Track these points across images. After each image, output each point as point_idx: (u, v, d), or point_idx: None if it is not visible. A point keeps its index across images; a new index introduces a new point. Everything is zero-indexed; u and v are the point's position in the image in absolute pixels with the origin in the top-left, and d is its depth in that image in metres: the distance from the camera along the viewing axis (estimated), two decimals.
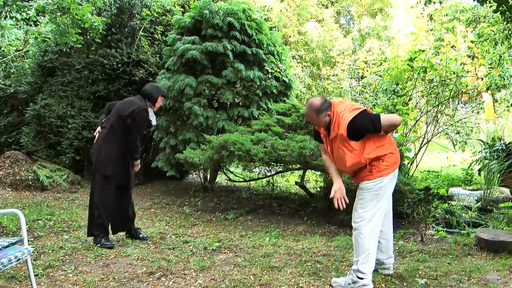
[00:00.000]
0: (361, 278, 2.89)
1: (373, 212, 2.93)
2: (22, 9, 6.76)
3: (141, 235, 4.32)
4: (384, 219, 3.13)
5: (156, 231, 4.69)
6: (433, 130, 6.17)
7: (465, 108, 8.07)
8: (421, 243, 4.16)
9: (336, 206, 3.00)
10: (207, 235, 4.63)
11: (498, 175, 5.72)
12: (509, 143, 6.59)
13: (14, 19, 7.35)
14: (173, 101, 6.92)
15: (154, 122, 4.29)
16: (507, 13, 4.90)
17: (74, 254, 3.72)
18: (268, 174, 6.86)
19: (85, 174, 8.36)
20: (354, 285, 2.90)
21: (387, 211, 3.15)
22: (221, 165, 6.67)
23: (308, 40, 17.83)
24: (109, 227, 4.14)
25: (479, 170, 6.65)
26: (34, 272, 2.94)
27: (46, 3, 7.02)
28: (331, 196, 3.02)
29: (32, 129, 8.41)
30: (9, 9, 6.63)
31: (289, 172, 6.63)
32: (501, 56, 7.53)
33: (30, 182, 7.06)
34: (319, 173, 6.02)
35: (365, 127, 2.89)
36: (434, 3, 15.37)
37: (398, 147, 5.16)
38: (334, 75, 8.56)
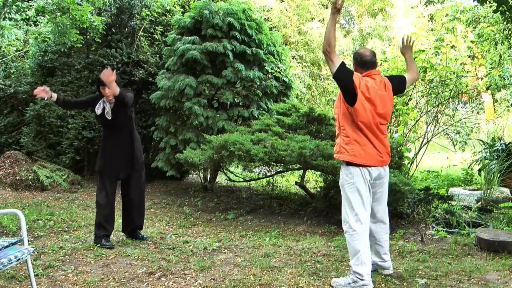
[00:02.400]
0: (360, 279, 2.90)
1: (356, 213, 2.94)
2: (21, 10, 6.75)
3: (141, 235, 4.32)
4: (377, 226, 3.15)
5: (156, 231, 4.69)
6: (433, 130, 6.18)
7: (465, 108, 8.07)
8: (421, 243, 4.16)
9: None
10: (207, 235, 4.63)
11: (498, 175, 5.71)
12: (509, 143, 6.58)
13: (12, 20, 7.34)
14: (173, 101, 6.92)
15: (98, 111, 4.10)
16: (507, 13, 4.89)
17: (74, 254, 3.72)
18: (268, 174, 6.86)
19: (85, 174, 8.36)
20: (355, 285, 2.90)
21: (381, 218, 3.16)
22: (221, 165, 6.67)
23: (309, 40, 17.83)
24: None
25: (479, 170, 6.64)
26: (34, 272, 2.94)
27: (46, 3, 7.02)
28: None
29: (32, 129, 8.41)
30: (8, 10, 6.62)
31: (289, 172, 6.62)
32: (501, 56, 7.52)
33: (30, 182, 7.06)
34: (319, 173, 6.02)
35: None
36: (435, 3, 15.37)
37: (398, 147, 5.20)
38: None
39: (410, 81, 3.32)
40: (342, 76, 2.91)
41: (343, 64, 2.91)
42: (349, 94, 2.92)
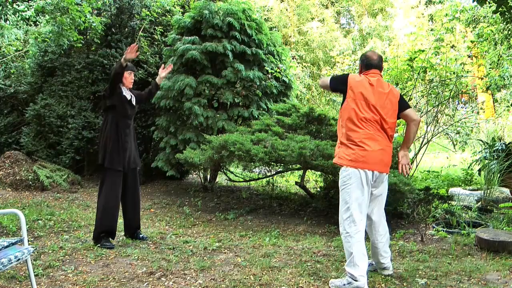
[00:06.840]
0: (354, 280, 2.87)
1: (349, 214, 2.93)
2: (18, 12, 6.75)
3: (141, 235, 4.32)
4: (373, 228, 3.13)
5: (156, 231, 4.69)
6: (433, 130, 6.18)
7: (465, 108, 8.07)
8: (421, 243, 4.16)
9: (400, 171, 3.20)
10: (207, 235, 4.63)
11: (498, 175, 5.72)
12: (509, 143, 6.58)
13: (8, 22, 7.34)
14: (173, 101, 6.92)
15: (128, 97, 4.10)
16: (507, 13, 4.90)
17: (74, 254, 3.72)
18: (268, 174, 6.86)
19: (85, 174, 8.36)
20: (349, 286, 2.89)
21: (377, 220, 3.13)
22: (221, 165, 6.67)
23: (309, 40, 17.84)
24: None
25: (479, 170, 6.64)
26: (34, 272, 2.94)
27: (45, 3, 7.01)
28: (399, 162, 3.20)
29: (32, 129, 8.41)
30: (5, 11, 6.61)
31: (289, 172, 6.62)
32: (501, 56, 7.52)
33: (30, 182, 7.06)
34: (319, 173, 6.02)
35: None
36: (435, 3, 15.36)
37: (398, 147, 5.19)
38: None
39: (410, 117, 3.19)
40: (336, 86, 3.17)
41: (332, 77, 3.21)
42: (343, 94, 3.13)
